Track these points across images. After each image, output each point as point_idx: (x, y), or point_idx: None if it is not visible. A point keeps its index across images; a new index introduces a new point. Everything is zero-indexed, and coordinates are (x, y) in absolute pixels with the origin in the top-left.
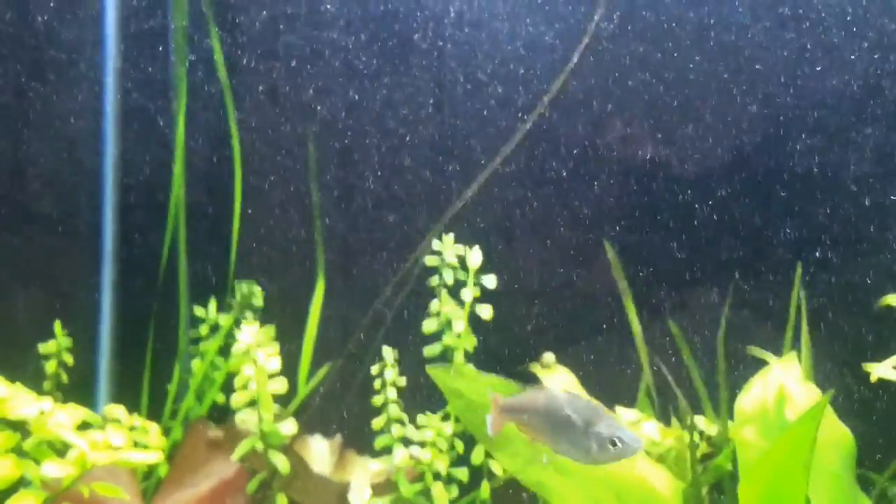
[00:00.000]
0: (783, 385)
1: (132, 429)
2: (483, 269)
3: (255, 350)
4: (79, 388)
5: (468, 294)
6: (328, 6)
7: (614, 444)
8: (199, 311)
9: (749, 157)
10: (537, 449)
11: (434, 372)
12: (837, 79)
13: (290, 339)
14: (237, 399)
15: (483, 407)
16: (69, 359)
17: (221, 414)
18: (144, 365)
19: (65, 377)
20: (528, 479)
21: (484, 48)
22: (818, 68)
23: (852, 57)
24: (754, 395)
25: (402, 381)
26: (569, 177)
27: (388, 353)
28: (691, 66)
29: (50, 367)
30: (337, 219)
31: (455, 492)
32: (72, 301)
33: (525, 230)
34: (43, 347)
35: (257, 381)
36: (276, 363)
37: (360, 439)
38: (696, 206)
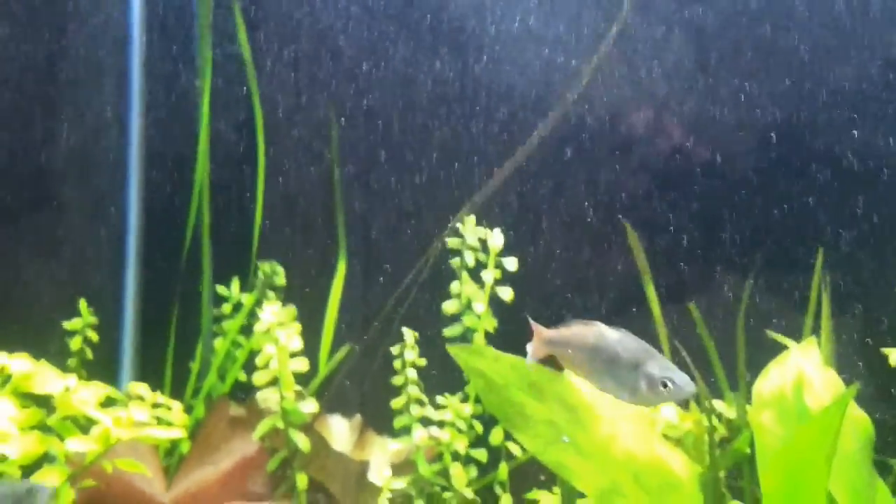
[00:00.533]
0: (802, 370)
1: (155, 406)
2: (504, 252)
3: (277, 329)
4: (103, 366)
5: (489, 275)
6: None
7: (665, 386)
8: (222, 289)
9: (774, 143)
10: (557, 429)
11: (455, 351)
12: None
13: (311, 320)
14: (259, 377)
15: (504, 387)
16: (94, 336)
17: (244, 392)
18: (168, 343)
19: (89, 354)
20: (548, 460)
21: (517, 39)
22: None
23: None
24: (773, 380)
25: (422, 362)
26: (591, 161)
27: (409, 333)
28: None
29: (75, 343)
30: (360, 200)
31: (474, 472)
32: (96, 280)
33: (546, 213)
34: (68, 324)
35: (279, 360)
36: (297, 342)
37: (379, 420)
38: (719, 189)
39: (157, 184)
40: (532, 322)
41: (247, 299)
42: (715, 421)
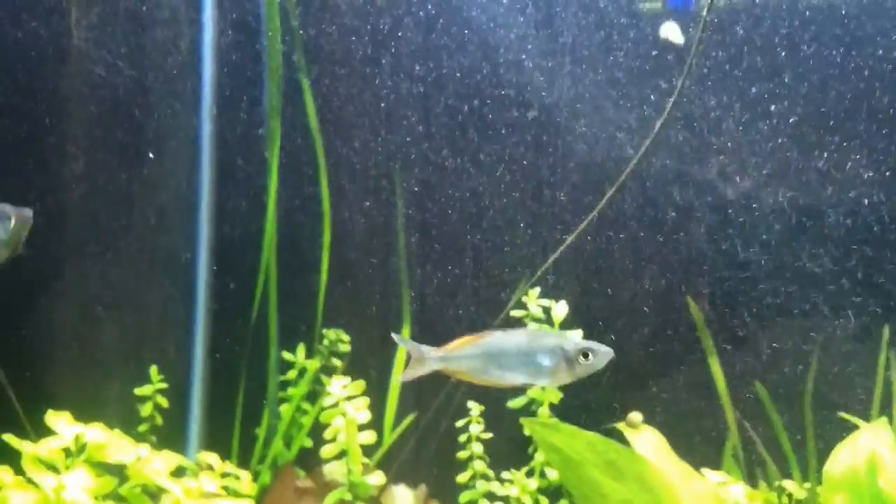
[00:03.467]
0: (874, 451)
1: (224, 475)
2: (567, 323)
3: (345, 402)
4: (171, 431)
5: None
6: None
7: (587, 356)
8: (287, 355)
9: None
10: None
11: (531, 425)
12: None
13: (376, 388)
14: (327, 451)
15: (580, 465)
16: (163, 401)
17: (308, 459)
18: (235, 409)
19: (159, 419)
20: None
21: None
22: None
23: None
24: (843, 461)
25: (487, 436)
26: (657, 229)
27: (474, 406)
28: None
29: (145, 410)
30: (425, 267)
31: None
32: (165, 346)
33: (610, 285)
34: (139, 390)
35: (347, 433)
36: (365, 415)
37: (444, 490)
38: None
39: (226, 254)
40: (405, 341)
41: (311, 365)
42: (785, 501)
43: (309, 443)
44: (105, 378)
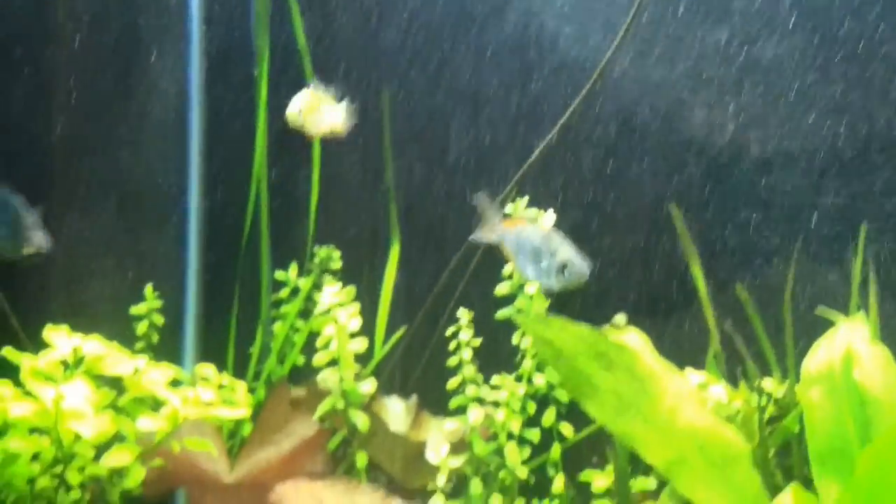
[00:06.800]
0: (850, 345)
1: (220, 387)
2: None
3: (337, 310)
4: (166, 351)
5: None
6: None
7: (563, 269)
8: (280, 274)
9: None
10: (624, 399)
11: (524, 320)
12: None
13: (366, 304)
14: (319, 358)
15: (572, 357)
16: (159, 319)
17: (301, 376)
18: (229, 328)
19: (155, 338)
20: (615, 430)
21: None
22: None
23: None
24: (820, 357)
25: (477, 342)
26: (638, 142)
27: (464, 314)
28: None
29: (141, 328)
30: (412, 184)
31: (527, 453)
32: (159, 267)
33: (595, 194)
34: (135, 309)
35: (338, 341)
36: (356, 323)
37: (434, 402)
38: (761, 171)
39: (217, 173)
40: (484, 200)
41: (304, 283)
42: (764, 400)
43: (302, 360)
44: (100, 298)
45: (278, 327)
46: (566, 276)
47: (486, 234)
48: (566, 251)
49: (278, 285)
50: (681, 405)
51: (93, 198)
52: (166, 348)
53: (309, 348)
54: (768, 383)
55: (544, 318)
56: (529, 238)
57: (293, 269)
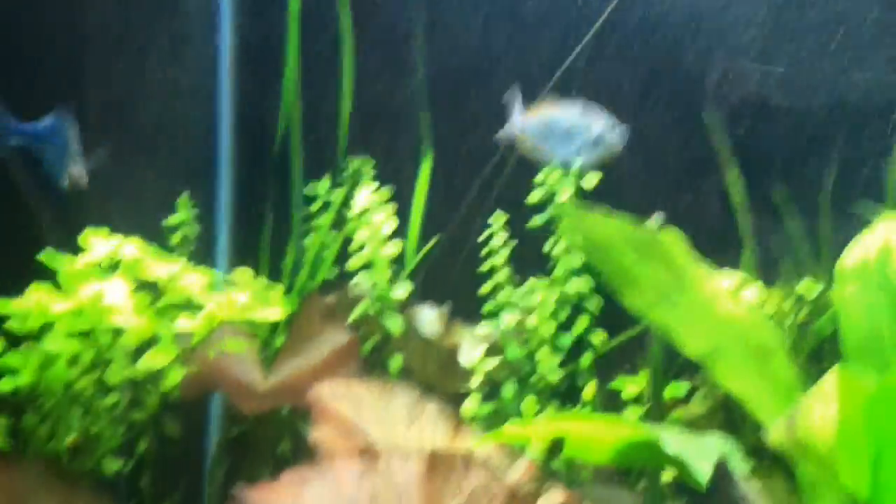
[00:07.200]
0: (886, 241)
1: (255, 292)
2: None
3: (371, 213)
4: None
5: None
6: None
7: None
8: (313, 187)
9: None
10: (661, 290)
11: (564, 212)
12: None
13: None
14: (353, 262)
15: (609, 248)
16: (193, 231)
17: (334, 289)
18: (261, 242)
19: (187, 251)
20: (653, 320)
21: None
22: None
23: None
24: (856, 254)
25: (511, 245)
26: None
27: (497, 218)
28: None
29: (175, 239)
30: (445, 91)
31: (559, 358)
32: (191, 181)
33: (628, 100)
34: (168, 220)
35: (372, 244)
36: (390, 226)
37: (467, 311)
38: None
39: (248, 86)
40: (514, 98)
41: (335, 195)
42: (797, 301)
43: (335, 272)
44: (135, 215)
45: (310, 240)
46: (604, 145)
47: (511, 128)
48: (600, 121)
49: (311, 200)
50: (718, 297)
51: (125, 109)
52: (199, 262)
53: (342, 261)
54: (803, 286)
55: (582, 210)
56: (558, 118)
57: (325, 181)
